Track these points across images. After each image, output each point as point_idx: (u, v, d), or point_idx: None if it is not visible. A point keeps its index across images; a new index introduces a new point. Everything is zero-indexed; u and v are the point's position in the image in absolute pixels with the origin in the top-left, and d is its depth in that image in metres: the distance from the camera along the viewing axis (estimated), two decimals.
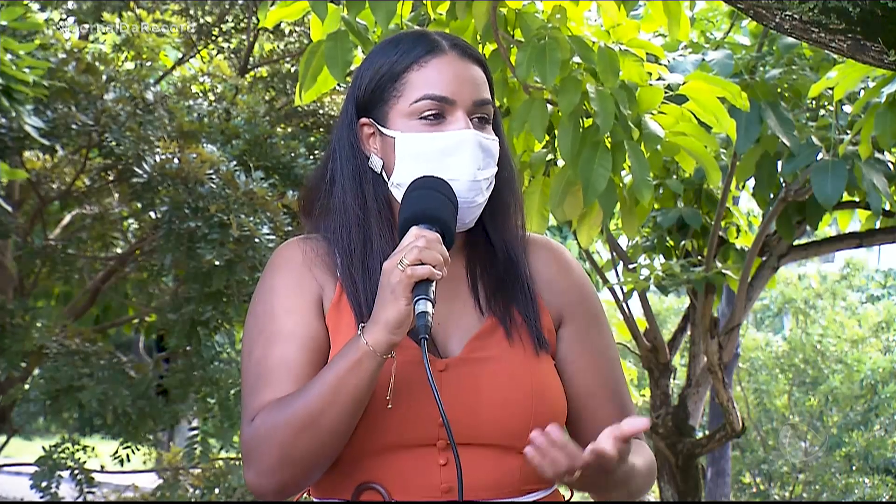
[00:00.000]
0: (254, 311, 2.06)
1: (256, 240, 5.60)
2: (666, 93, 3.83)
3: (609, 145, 3.71)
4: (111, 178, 6.67)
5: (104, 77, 6.15)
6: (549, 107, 3.79)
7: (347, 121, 2.10)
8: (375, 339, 1.88)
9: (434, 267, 1.87)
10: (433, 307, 1.87)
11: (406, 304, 1.86)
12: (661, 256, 6.37)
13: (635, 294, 6.33)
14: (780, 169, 5.35)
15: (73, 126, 5.96)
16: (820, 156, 5.02)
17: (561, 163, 4.01)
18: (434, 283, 1.88)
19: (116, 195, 6.93)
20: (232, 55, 7.90)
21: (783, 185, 5.65)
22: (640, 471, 2.02)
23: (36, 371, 6.32)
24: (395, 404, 1.95)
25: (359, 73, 2.10)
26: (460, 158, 2.00)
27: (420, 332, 1.86)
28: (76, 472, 6.01)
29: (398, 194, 2.04)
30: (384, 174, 2.06)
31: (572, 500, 2.11)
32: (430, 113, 2.02)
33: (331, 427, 1.90)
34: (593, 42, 3.72)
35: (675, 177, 5.85)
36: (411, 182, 1.98)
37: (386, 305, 1.88)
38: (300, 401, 1.91)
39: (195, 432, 6.31)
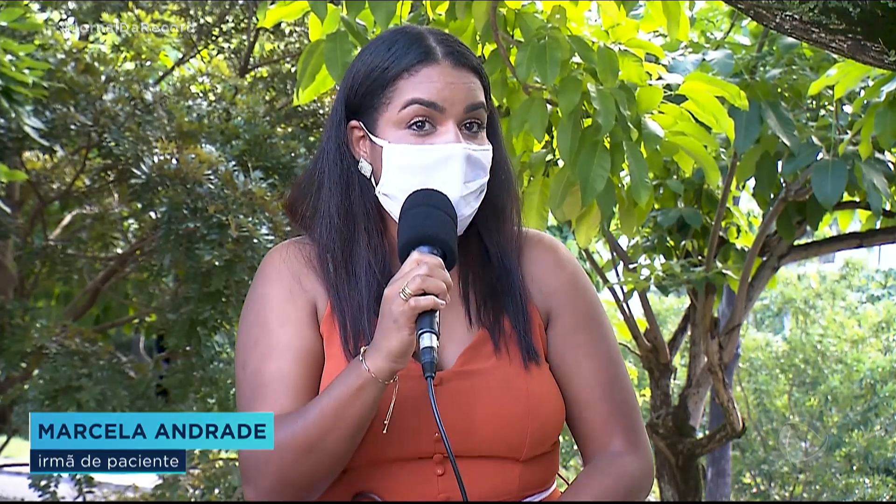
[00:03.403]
0: (246, 320, 2.03)
1: (255, 240, 5.59)
2: (665, 93, 3.82)
3: (608, 145, 3.70)
4: (111, 178, 6.66)
5: (103, 77, 6.15)
6: (549, 107, 3.78)
7: (337, 121, 2.04)
8: (377, 367, 1.85)
9: (437, 296, 1.82)
10: (438, 339, 1.83)
11: (409, 335, 1.82)
12: (661, 256, 6.36)
13: (635, 294, 6.33)
14: (780, 169, 5.35)
15: (73, 126, 5.95)
16: (820, 156, 5.01)
17: (561, 163, 4.00)
18: (437, 313, 1.83)
19: (116, 195, 6.93)
20: (232, 55, 7.90)
21: (783, 185, 5.65)
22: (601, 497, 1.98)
23: (35, 371, 6.31)
24: (393, 419, 1.92)
25: (351, 72, 2.04)
26: (447, 174, 1.94)
27: (426, 370, 1.82)
28: None
29: (386, 202, 2.00)
30: (373, 180, 2.01)
31: None
32: (418, 120, 1.96)
33: (331, 451, 1.88)
34: (593, 42, 3.71)
35: (675, 177, 5.85)
36: (408, 197, 1.93)
37: (388, 335, 1.83)
38: (299, 425, 1.88)
39: None
